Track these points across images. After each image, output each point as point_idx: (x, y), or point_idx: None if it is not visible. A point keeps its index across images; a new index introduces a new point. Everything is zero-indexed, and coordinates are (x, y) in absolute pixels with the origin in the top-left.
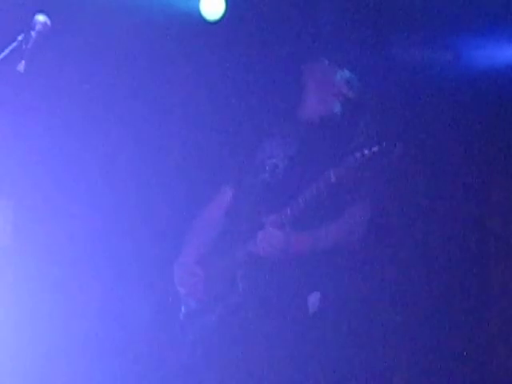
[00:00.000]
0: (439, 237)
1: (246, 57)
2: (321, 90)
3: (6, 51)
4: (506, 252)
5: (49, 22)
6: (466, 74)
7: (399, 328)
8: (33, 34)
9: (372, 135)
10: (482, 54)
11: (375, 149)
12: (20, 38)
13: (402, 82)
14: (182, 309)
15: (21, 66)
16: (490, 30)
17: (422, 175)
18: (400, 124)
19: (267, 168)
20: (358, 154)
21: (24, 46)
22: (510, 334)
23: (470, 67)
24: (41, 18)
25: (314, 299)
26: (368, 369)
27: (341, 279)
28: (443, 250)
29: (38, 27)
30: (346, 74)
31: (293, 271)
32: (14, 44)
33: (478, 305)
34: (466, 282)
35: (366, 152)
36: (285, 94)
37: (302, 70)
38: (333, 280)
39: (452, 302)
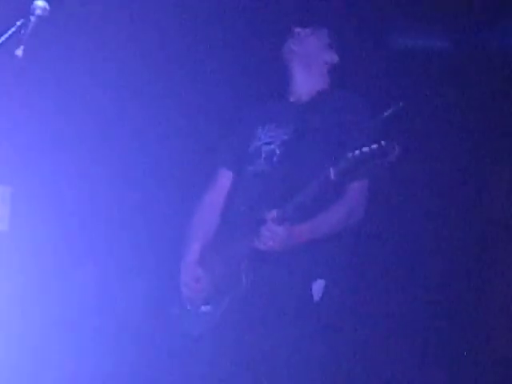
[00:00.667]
0: (438, 226)
1: (231, 39)
2: (305, 66)
3: (5, 36)
4: (504, 237)
5: (48, 7)
6: (464, 63)
7: (402, 313)
8: (32, 18)
9: (369, 130)
10: (481, 42)
11: (374, 146)
12: (19, 23)
13: (400, 70)
14: (188, 305)
15: (19, 51)
16: (489, 19)
17: (421, 167)
18: (398, 115)
19: (263, 155)
20: (357, 152)
21: (23, 31)
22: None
23: (468, 56)
24: (40, 2)
25: (318, 287)
26: (371, 354)
27: (343, 265)
28: (441, 239)
29: (37, 12)
30: (326, 39)
31: (295, 261)
32: (13, 29)
33: (480, 285)
34: (466, 267)
35: (366, 149)
36: (273, 76)
37: (282, 52)
38: (335, 266)
39: (454, 287)
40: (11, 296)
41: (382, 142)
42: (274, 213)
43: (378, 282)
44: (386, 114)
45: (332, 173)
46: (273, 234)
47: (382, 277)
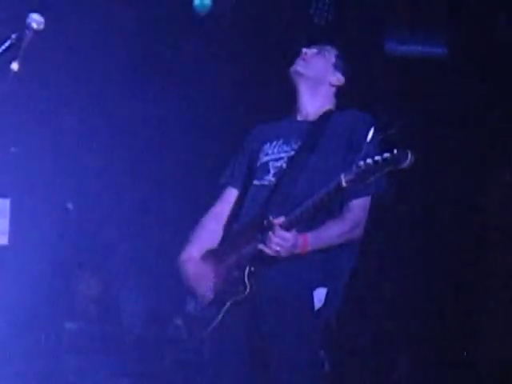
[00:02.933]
0: (444, 241)
1: (241, 54)
2: (311, 88)
3: (0, 50)
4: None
5: (43, 21)
6: (460, 68)
7: (403, 321)
8: (27, 32)
9: (378, 140)
10: (475, 47)
11: (387, 155)
12: (14, 36)
13: (397, 75)
14: (188, 305)
15: (15, 65)
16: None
17: (425, 172)
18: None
19: (272, 171)
20: (369, 160)
21: (18, 45)
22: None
23: (464, 61)
24: (35, 16)
25: (319, 295)
26: (371, 363)
27: (346, 275)
28: (447, 252)
29: (32, 25)
30: (332, 59)
31: (298, 268)
32: (8, 42)
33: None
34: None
35: (378, 158)
36: (281, 95)
37: (289, 72)
38: (338, 276)
39: (454, 298)
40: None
41: (395, 151)
42: (281, 218)
43: (380, 290)
44: (391, 130)
45: (343, 180)
46: (280, 240)
47: (385, 285)
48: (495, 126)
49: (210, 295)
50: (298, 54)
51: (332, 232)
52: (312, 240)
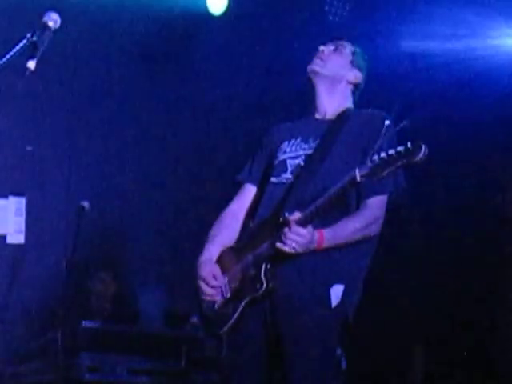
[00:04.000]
0: (460, 238)
1: (256, 53)
2: (328, 87)
3: (16, 49)
4: None
5: (59, 19)
6: (475, 65)
7: (418, 320)
8: (44, 31)
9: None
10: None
11: (400, 148)
12: (29, 35)
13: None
14: (206, 303)
15: (32, 64)
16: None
17: (438, 171)
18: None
19: (290, 169)
20: (383, 154)
21: (34, 44)
22: None
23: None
24: (52, 15)
25: (337, 292)
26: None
27: (363, 272)
28: (463, 249)
29: (49, 24)
30: (349, 56)
31: (315, 265)
32: (24, 42)
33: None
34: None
35: (392, 152)
36: (300, 94)
37: (307, 71)
38: (355, 273)
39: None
40: None
41: (408, 144)
42: (297, 214)
43: (396, 288)
44: (402, 125)
45: (358, 175)
46: (296, 236)
47: (401, 283)
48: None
49: (218, 299)
50: (315, 51)
51: (348, 229)
52: (328, 236)
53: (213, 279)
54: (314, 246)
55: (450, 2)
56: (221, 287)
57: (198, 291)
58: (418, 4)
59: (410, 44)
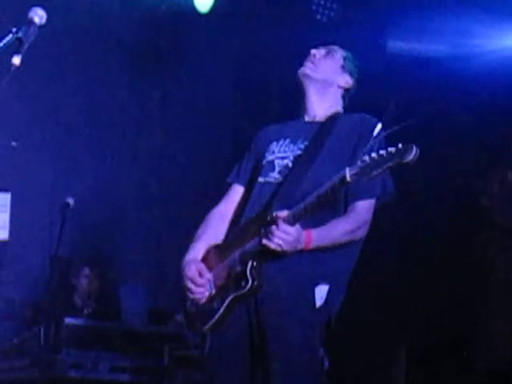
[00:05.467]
0: (443, 240)
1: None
2: (319, 91)
3: (1, 45)
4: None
5: (45, 16)
6: (463, 67)
7: (404, 320)
8: (30, 27)
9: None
10: (478, 46)
11: (392, 149)
12: (15, 30)
13: (400, 75)
14: (190, 300)
15: (16, 60)
16: (488, 23)
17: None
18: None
19: (277, 169)
20: (374, 154)
21: (20, 40)
22: None
23: (467, 60)
24: (38, 10)
25: (321, 292)
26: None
27: (348, 273)
28: (447, 250)
29: (35, 19)
30: (340, 61)
31: (300, 264)
32: (9, 37)
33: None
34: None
35: (382, 152)
36: (289, 96)
37: (298, 74)
38: (340, 274)
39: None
40: None
41: (399, 145)
42: (285, 212)
43: (381, 288)
44: (395, 127)
45: (348, 174)
46: (283, 234)
47: (386, 283)
48: (495, 124)
49: (203, 299)
50: (306, 55)
51: (336, 230)
52: (316, 237)
53: (199, 278)
54: (302, 245)
55: (439, 1)
56: (208, 284)
57: (183, 290)
58: (406, 3)
59: (398, 44)
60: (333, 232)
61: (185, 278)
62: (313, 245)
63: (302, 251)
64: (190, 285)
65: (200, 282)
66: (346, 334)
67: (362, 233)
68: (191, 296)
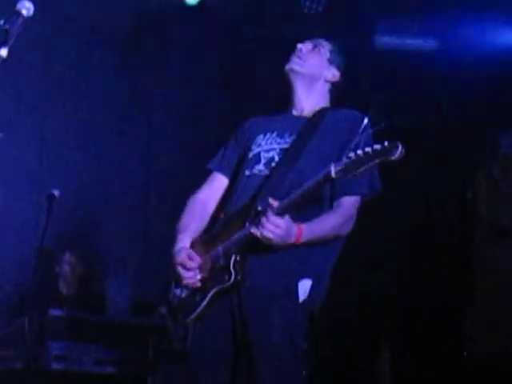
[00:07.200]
0: (431, 237)
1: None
2: (306, 86)
3: None
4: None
5: (32, 7)
6: (451, 62)
7: (389, 314)
8: (17, 18)
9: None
10: (467, 41)
11: (377, 146)
12: (2, 22)
13: (386, 69)
14: (173, 293)
15: (4, 52)
16: (475, 17)
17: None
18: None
19: (263, 161)
20: (359, 151)
21: (7, 32)
22: None
23: (455, 54)
24: (25, 3)
25: (305, 287)
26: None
27: (330, 267)
28: (434, 246)
29: (22, 12)
30: (327, 54)
31: (284, 259)
32: None
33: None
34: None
35: (368, 149)
36: (277, 90)
37: (285, 69)
38: (323, 268)
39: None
40: None
41: (385, 143)
42: (275, 203)
43: (365, 283)
44: (382, 125)
45: (333, 170)
46: (272, 225)
47: (370, 278)
48: (481, 121)
49: (197, 282)
50: (293, 50)
51: (325, 226)
52: (306, 231)
53: (190, 261)
54: (292, 240)
55: None
56: (199, 268)
57: (175, 280)
58: None
59: (386, 38)
60: (322, 226)
61: (175, 265)
62: (303, 239)
63: (289, 245)
64: (180, 270)
65: (190, 265)
66: (330, 328)
67: (347, 228)
68: (184, 282)
